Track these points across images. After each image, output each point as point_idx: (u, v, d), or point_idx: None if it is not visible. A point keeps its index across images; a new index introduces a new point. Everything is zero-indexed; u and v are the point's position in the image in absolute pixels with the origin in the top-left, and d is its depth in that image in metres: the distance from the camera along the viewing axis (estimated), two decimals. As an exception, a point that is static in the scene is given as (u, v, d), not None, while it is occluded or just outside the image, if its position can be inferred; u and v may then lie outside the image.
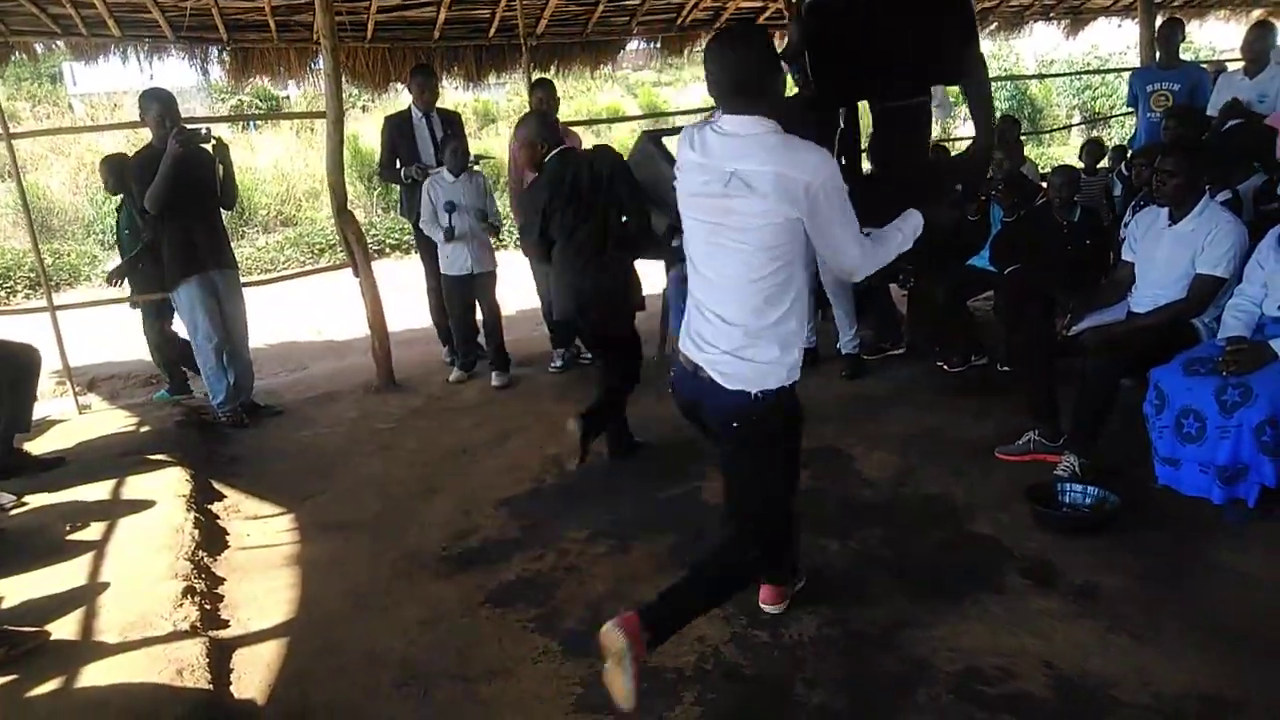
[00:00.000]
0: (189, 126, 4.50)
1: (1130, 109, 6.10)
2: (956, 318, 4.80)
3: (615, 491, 3.68)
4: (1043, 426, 3.59)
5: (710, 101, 2.26)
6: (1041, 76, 18.09)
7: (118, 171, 5.23)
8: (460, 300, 5.29)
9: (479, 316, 5.42)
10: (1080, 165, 6.22)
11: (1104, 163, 6.65)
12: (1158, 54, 6.08)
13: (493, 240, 5.49)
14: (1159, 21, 6.50)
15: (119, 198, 5.34)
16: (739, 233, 2.14)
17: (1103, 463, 3.35)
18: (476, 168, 5.36)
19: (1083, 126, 16.35)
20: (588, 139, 5.56)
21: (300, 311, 8.57)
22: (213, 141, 4.61)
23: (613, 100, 18.13)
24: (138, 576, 3.02)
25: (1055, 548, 2.90)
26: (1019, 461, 3.58)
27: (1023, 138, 6.94)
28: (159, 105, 4.48)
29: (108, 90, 16.25)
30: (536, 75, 6.51)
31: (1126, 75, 7.56)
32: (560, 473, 3.92)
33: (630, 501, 3.57)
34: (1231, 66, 6.55)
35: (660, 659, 2.51)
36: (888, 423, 4.08)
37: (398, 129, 5.40)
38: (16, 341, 4.15)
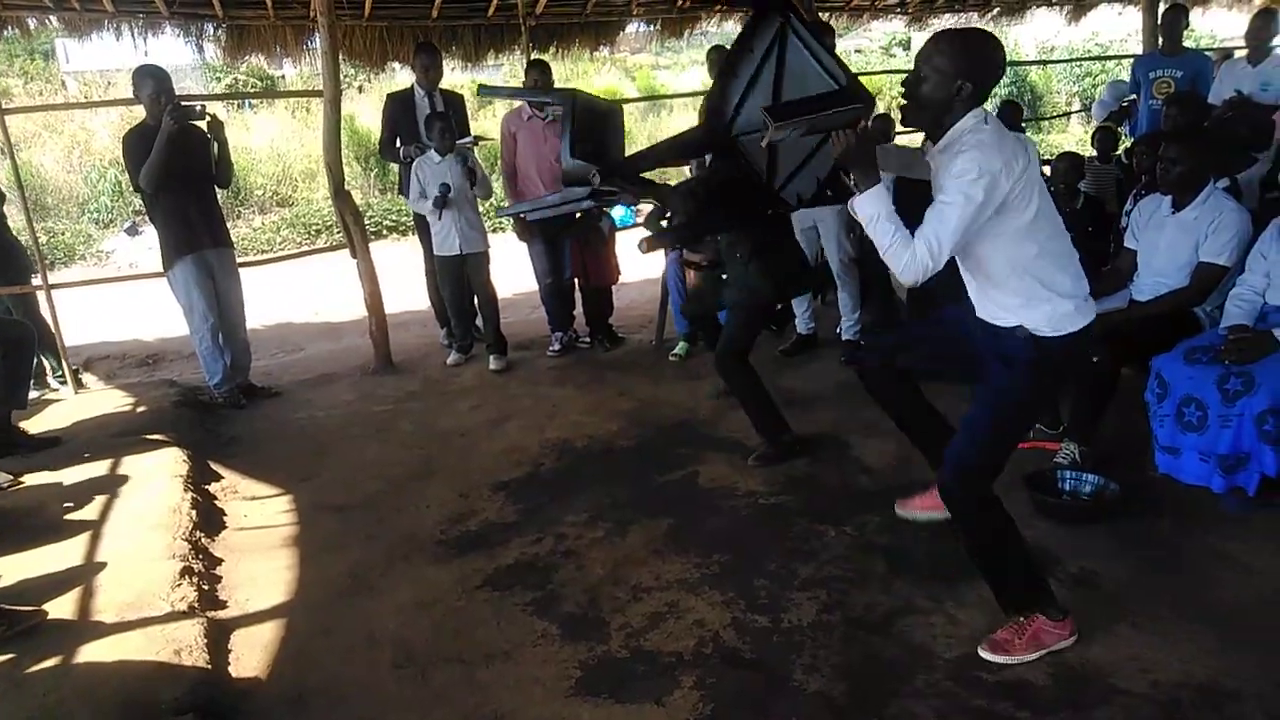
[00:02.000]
0: (183, 103, 4.45)
1: (1132, 96, 6.05)
2: (956, 303, 4.77)
3: (613, 476, 3.67)
4: (1042, 414, 3.59)
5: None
6: (1043, 63, 17.98)
7: None
8: (453, 281, 5.25)
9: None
10: (1090, 154, 6.17)
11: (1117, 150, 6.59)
12: (1160, 41, 6.06)
13: (486, 221, 5.44)
14: (1162, 8, 6.47)
15: None
16: None
17: (1102, 451, 3.35)
18: (473, 147, 5.31)
19: (1082, 114, 16.29)
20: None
21: (296, 293, 8.52)
22: (207, 118, 4.55)
23: (610, 83, 17.95)
24: (135, 556, 3.00)
25: (1054, 535, 2.90)
26: (1018, 449, 3.57)
27: (1023, 124, 6.90)
28: (153, 81, 4.42)
29: (100, 68, 16.08)
30: (534, 56, 6.45)
31: (1127, 63, 7.51)
32: (558, 456, 3.92)
33: (628, 486, 3.56)
34: (1237, 54, 6.52)
35: (659, 643, 2.51)
36: (887, 409, 4.07)
37: (400, 107, 5.33)
38: (9, 318, 4.13)
